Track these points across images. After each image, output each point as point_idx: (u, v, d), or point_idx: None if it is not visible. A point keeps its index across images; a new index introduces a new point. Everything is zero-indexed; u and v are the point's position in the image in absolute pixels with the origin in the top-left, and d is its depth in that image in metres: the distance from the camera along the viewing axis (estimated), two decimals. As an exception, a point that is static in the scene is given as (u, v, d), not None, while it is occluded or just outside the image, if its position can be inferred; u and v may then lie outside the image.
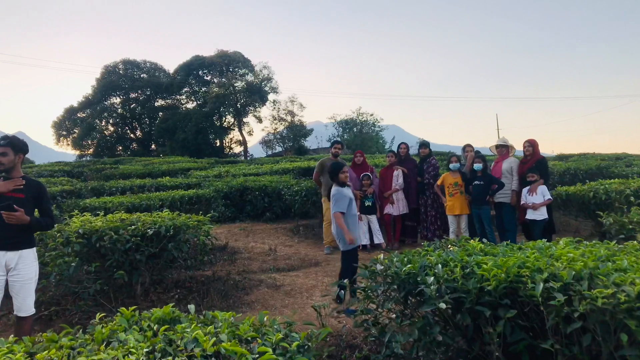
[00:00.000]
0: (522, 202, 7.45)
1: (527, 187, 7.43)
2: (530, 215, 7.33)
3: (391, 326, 3.24)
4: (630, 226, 5.24)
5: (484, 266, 2.76)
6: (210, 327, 2.62)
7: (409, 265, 3.01)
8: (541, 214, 7.26)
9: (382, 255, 3.41)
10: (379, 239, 8.49)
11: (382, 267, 3.17)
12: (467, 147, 9.10)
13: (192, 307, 2.98)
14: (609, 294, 2.33)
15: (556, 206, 8.65)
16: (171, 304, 2.96)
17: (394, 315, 3.12)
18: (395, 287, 3.05)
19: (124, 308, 2.97)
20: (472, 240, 3.68)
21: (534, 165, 7.61)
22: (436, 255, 3.18)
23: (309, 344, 2.70)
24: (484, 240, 3.77)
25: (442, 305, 2.57)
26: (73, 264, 5.18)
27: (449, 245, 3.63)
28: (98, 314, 3.08)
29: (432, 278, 2.73)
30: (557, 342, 2.50)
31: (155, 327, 2.68)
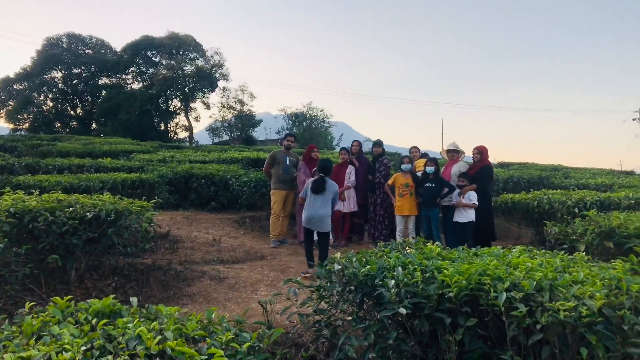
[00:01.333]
0: (452, 202, 7.59)
1: (459, 190, 7.58)
2: (455, 217, 7.49)
3: (343, 328, 3.13)
4: (574, 237, 5.37)
5: (445, 272, 2.70)
6: (155, 323, 2.43)
7: (367, 267, 2.90)
8: (465, 217, 7.43)
9: (339, 254, 3.29)
10: (327, 235, 8.40)
11: (340, 267, 3.05)
12: (412, 149, 9.22)
13: (134, 300, 2.76)
14: (571, 307, 2.31)
15: (500, 212, 8.85)
16: (112, 296, 2.73)
17: (349, 318, 3.00)
18: (352, 288, 2.94)
19: (57, 297, 2.72)
20: (428, 243, 3.63)
21: (478, 171, 7.76)
22: (395, 257, 3.09)
23: (260, 344, 2.56)
24: (438, 243, 3.73)
25: (402, 311, 2.48)
26: (1, 244, 4.80)
27: (407, 247, 3.56)
28: (27, 302, 2.81)
29: (392, 281, 2.64)
30: (515, 352, 2.46)
31: (93, 321, 2.46)
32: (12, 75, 47.67)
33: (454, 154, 8.26)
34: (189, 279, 6.07)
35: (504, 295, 2.42)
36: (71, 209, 5.05)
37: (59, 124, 48.89)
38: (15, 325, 2.46)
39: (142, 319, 2.57)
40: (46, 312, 2.59)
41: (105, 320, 2.42)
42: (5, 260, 5.20)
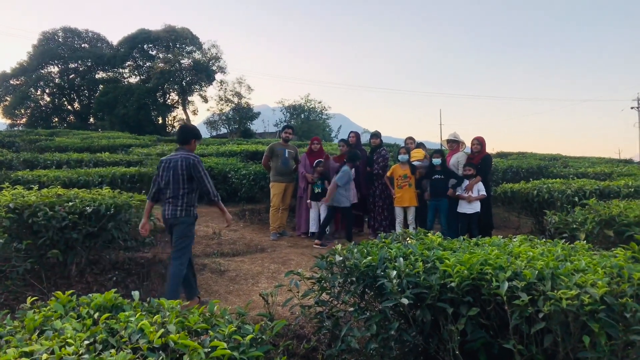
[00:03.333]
0: (457, 194, 7.60)
1: (464, 180, 7.59)
2: (461, 208, 7.51)
3: (345, 319, 3.14)
4: (574, 226, 5.37)
5: (447, 262, 2.70)
6: (157, 316, 2.43)
7: (369, 257, 2.90)
8: (472, 208, 7.48)
9: (340, 246, 3.29)
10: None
11: (341, 258, 3.05)
12: (407, 140, 9.20)
13: (136, 294, 2.76)
14: (573, 295, 2.31)
15: (500, 202, 8.86)
16: (113, 290, 2.73)
17: (351, 309, 3.01)
18: (354, 279, 2.93)
19: (59, 292, 2.72)
20: (429, 234, 3.62)
21: (480, 161, 7.76)
22: (396, 248, 3.09)
23: (263, 336, 2.55)
24: (438, 233, 3.73)
25: (405, 301, 2.48)
26: (1, 240, 4.80)
27: (407, 238, 3.56)
28: (29, 297, 2.81)
29: (394, 272, 2.63)
30: (516, 341, 2.46)
31: (95, 315, 2.45)
32: (8, 71, 47.57)
33: (454, 144, 8.25)
34: (189, 272, 6.07)
35: (506, 284, 2.42)
36: (70, 203, 5.05)
37: (56, 119, 48.77)
38: (17, 320, 2.46)
39: (144, 313, 2.57)
40: (48, 307, 2.59)
41: (107, 315, 2.41)
42: (6, 256, 5.22)
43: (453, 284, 2.52)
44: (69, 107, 50.58)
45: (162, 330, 2.22)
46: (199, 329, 2.42)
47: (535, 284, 2.47)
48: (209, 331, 2.39)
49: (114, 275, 5.63)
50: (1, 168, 9.59)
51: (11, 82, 47.29)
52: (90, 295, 2.73)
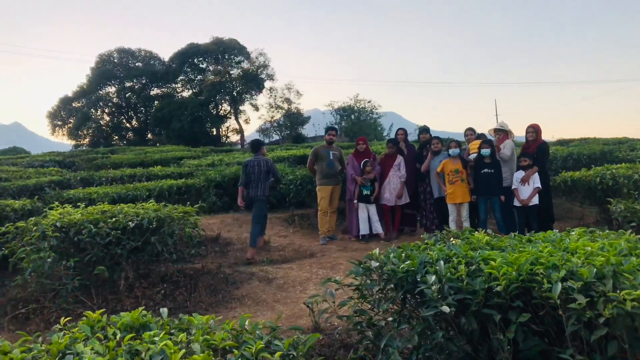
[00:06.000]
0: (512, 187, 7.18)
1: (519, 172, 7.17)
2: (518, 202, 7.11)
3: (387, 329, 2.93)
4: (643, 213, 4.93)
5: (492, 263, 2.44)
6: (182, 334, 2.30)
7: (407, 262, 2.68)
8: (531, 201, 7.09)
9: (377, 250, 3.08)
10: (377, 228, 8.16)
11: (378, 264, 2.84)
12: (467, 131, 8.72)
13: (164, 311, 2.66)
14: (639, 296, 2.01)
15: (560, 192, 8.35)
16: (141, 308, 2.64)
17: (390, 319, 2.79)
18: (392, 286, 2.72)
19: (89, 312, 2.66)
20: (476, 232, 3.35)
21: (536, 150, 7.32)
22: (437, 250, 2.85)
23: (294, 352, 2.39)
24: (489, 230, 3.45)
25: (446, 309, 2.25)
26: (49, 259, 4.86)
27: (451, 238, 3.30)
28: (62, 318, 2.76)
29: (433, 277, 2.40)
30: (576, 349, 2.19)
31: (118, 336, 2.36)
32: (70, 94, 49.94)
33: (501, 133, 7.84)
34: (237, 281, 6.01)
35: (559, 285, 2.14)
36: (114, 219, 5.06)
37: (116, 137, 50.71)
38: (45, 344, 2.40)
39: (173, 331, 2.46)
40: (77, 328, 2.52)
41: (131, 335, 2.31)
42: (57, 274, 5.30)
43: (499, 288, 2.27)
44: (128, 124, 52.48)
45: (184, 351, 2.09)
46: (226, 347, 2.29)
47: (594, 284, 2.18)
48: (236, 349, 2.25)
49: (162, 288, 5.62)
50: (60, 188, 9.88)
51: (73, 104, 49.61)
52: (121, 314, 2.65)
